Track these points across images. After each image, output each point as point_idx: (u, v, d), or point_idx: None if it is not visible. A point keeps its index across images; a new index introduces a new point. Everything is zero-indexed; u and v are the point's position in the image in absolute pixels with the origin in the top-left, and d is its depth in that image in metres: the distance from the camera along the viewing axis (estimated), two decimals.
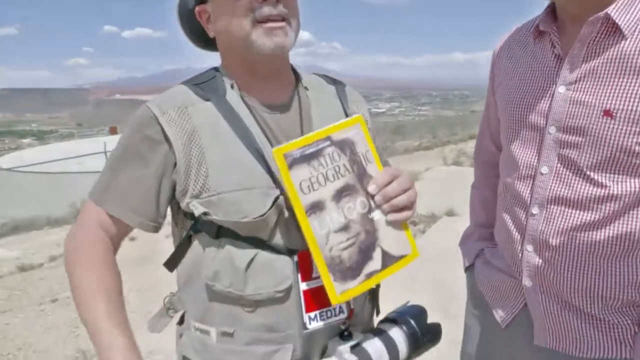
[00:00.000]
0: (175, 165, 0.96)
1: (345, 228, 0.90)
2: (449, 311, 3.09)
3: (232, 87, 1.00)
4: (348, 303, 1.02)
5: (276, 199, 0.93)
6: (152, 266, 5.20)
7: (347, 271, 0.90)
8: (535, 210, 1.03)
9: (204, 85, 1.00)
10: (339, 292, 0.89)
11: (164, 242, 6.32)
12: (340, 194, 0.91)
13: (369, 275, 0.92)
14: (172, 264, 1.06)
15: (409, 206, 0.96)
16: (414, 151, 14.97)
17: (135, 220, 0.99)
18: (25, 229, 9.33)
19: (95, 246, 0.98)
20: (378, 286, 1.15)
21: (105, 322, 0.92)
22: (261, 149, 0.95)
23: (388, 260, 0.94)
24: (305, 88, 1.09)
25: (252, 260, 0.95)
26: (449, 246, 4.51)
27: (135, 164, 0.97)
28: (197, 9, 1.01)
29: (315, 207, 0.88)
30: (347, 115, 1.10)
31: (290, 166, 0.87)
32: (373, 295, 1.15)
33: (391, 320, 1.06)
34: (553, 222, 1.00)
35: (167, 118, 0.95)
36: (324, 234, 0.89)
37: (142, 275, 4.88)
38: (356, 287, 0.91)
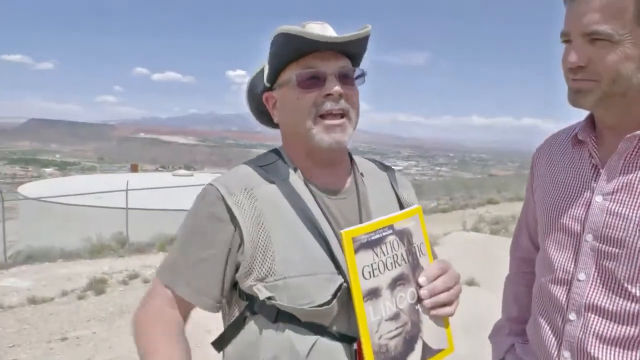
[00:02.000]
0: (240, 246, 0.95)
1: (395, 317, 0.91)
2: None
3: (295, 171, 1.02)
4: None
5: (340, 286, 0.92)
6: None
7: None
8: (572, 316, 1.03)
9: (268, 167, 1.02)
10: None
11: None
12: (395, 283, 0.92)
13: None
14: (221, 343, 1.03)
15: (451, 303, 0.96)
16: (431, 213, 14.87)
17: (201, 301, 0.98)
18: (39, 259, 9.35)
19: (167, 324, 0.97)
20: None
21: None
22: (325, 234, 0.95)
23: (427, 352, 0.95)
24: (361, 174, 1.11)
25: (312, 346, 0.93)
26: (469, 318, 4.38)
27: (201, 243, 0.97)
28: (265, 95, 1.05)
29: (372, 294, 0.89)
30: (399, 201, 1.13)
31: (357, 250, 0.87)
32: None
33: None
34: (591, 331, 1.00)
35: (235, 200, 0.95)
36: (376, 321, 0.89)
37: None
38: None
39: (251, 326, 0.97)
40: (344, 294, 0.92)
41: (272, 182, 0.99)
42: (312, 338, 0.93)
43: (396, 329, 0.91)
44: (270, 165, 1.02)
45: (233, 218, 0.95)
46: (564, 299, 1.05)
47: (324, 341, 0.93)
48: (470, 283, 5.55)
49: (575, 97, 0.98)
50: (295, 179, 1.01)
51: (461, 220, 10.41)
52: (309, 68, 0.96)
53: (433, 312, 0.94)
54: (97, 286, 6.20)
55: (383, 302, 0.90)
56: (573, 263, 1.04)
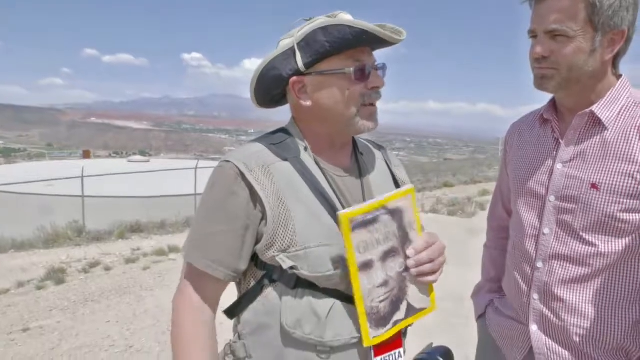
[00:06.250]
0: (262, 220, 1.02)
1: (385, 284, 1.03)
2: None
3: (305, 149, 1.10)
4: (404, 349, 1.14)
5: None
6: (132, 298, 5.09)
7: (380, 320, 1.04)
8: (539, 264, 1.24)
9: (279, 145, 1.08)
10: (372, 337, 1.03)
11: (142, 275, 6.15)
12: (386, 256, 1.03)
13: (395, 324, 1.07)
14: (235, 311, 1.11)
15: (434, 272, 1.07)
16: None
17: (220, 272, 1.04)
18: None
19: (197, 327, 1.04)
20: (406, 330, 1.23)
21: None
22: (337, 208, 1.04)
23: (410, 311, 1.09)
24: (361, 153, 1.21)
25: (331, 308, 1.03)
26: None
27: (220, 218, 1.03)
28: (293, 79, 1.06)
29: (366, 266, 1.00)
30: (394, 179, 1.25)
31: (353, 229, 0.97)
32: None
33: None
34: (555, 274, 1.21)
35: (255, 176, 1.01)
36: (369, 288, 1.01)
37: (121, 307, 4.76)
38: (384, 334, 1.05)
39: (270, 293, 1.05)
40: None
41: (285, 159, 1.06)
42: (329, 301, 1.03)
43: (385, 293, 1.03)
44: (281, 144, 1.09)
45: (254, 194, 1.01)
46: (533, 251, 1.25)
47: (340, 304, 1.04)
48: None
49: (540, 82, 1.19)
50: (306, 157, 1.08)
51: (419, 203, 10.74)
52: (358, 61, 1.04)
53: (418, 279, 1.06)
54: (56, 276, 6.01)
55: (375, 272, 1.01)
56: (539, 220, 1.25)
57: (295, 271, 1.01)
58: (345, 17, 1.04)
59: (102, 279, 5.85)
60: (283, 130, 1.15)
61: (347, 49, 1.02)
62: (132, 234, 9.07)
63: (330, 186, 1.08)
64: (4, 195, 14.76)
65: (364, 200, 1.11)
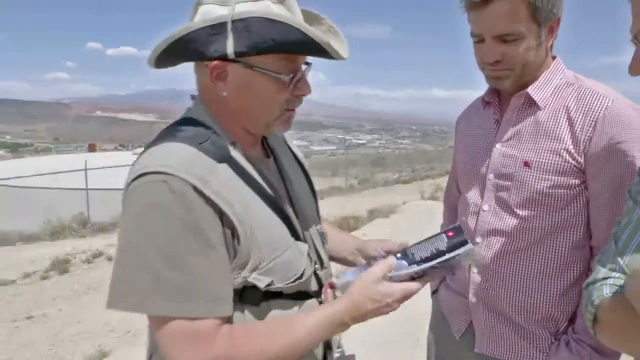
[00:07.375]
0: (233, 237, 0.86)
1: None
2: (419, 341, 3.24)
3: (233, 145, 0.94)
4: None
5: (307, 249, 0.98)
6: None
7: None
8: (479, 239, 1.31)
9: (207, 145, 0.89)
10: None
11: None
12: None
13: None
14: None
15: None
16: (393, 183, 15.32)
17: (227, 307, 0.87)
18: None
19: (247, 331, 0.89)
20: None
21: (300, 326, 0.89)
22: (279, 204, 0.96)
23: None
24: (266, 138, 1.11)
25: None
26: None
27: (196, 250, 0.82)
28: (215, 63, 0.87)
29: None
30: (296, 158, 1.19)
31: None
32: None
33: None
34: (492, 249, 1.28)
35: (212, 189, 0.83)
36: None
37: None
38: None
39: (236, 317, 0.91)
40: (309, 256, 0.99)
41: (220, 161, 0.89)
42: (296, 306, 0.97)
43: None
44: (208, 142, 0.90)
45: (217, 209, 0.84)
46: (473, 227, 1.32)
47: (306, 303, 0.99)
48: None
49: (496, 82, 1.26)
50: (236, 155, 0.93)
51: (420, 190, 10.81)
52: (293, 63, 0.91)
53: None
54: (61, 266, 6.19)
55: None
56: (480, 198, 1.32)
57: (272, 287, 0.90)
58: (293, 7, 0.91)
59: (105, 269, 5.99)
60: (194, 122, 0.94)
61: (291, 53, 0.89)
62: None
63: (265, 181, 0.96)
64: (12, 190, 14.97)
65: (285, 186, 1.06)
